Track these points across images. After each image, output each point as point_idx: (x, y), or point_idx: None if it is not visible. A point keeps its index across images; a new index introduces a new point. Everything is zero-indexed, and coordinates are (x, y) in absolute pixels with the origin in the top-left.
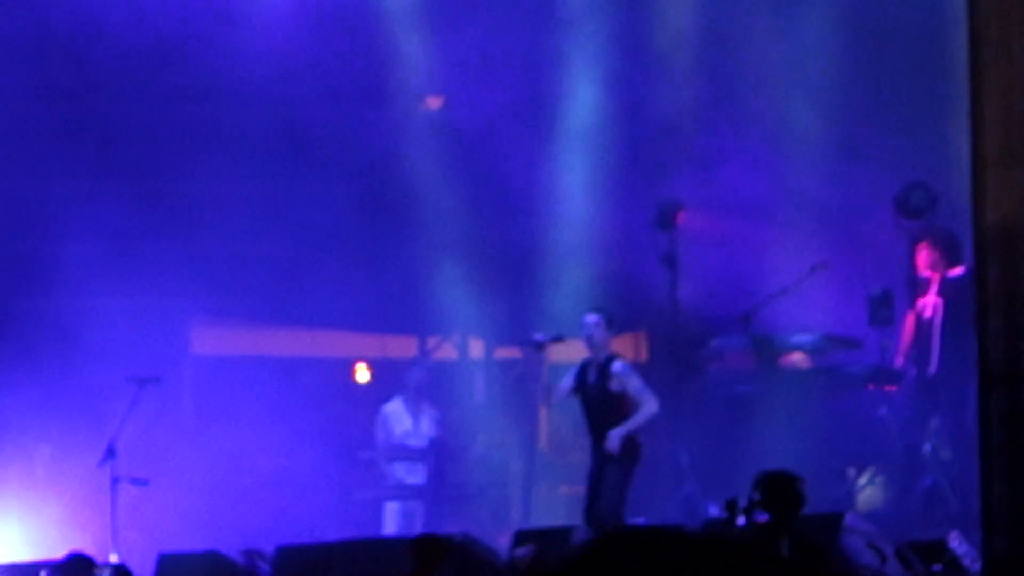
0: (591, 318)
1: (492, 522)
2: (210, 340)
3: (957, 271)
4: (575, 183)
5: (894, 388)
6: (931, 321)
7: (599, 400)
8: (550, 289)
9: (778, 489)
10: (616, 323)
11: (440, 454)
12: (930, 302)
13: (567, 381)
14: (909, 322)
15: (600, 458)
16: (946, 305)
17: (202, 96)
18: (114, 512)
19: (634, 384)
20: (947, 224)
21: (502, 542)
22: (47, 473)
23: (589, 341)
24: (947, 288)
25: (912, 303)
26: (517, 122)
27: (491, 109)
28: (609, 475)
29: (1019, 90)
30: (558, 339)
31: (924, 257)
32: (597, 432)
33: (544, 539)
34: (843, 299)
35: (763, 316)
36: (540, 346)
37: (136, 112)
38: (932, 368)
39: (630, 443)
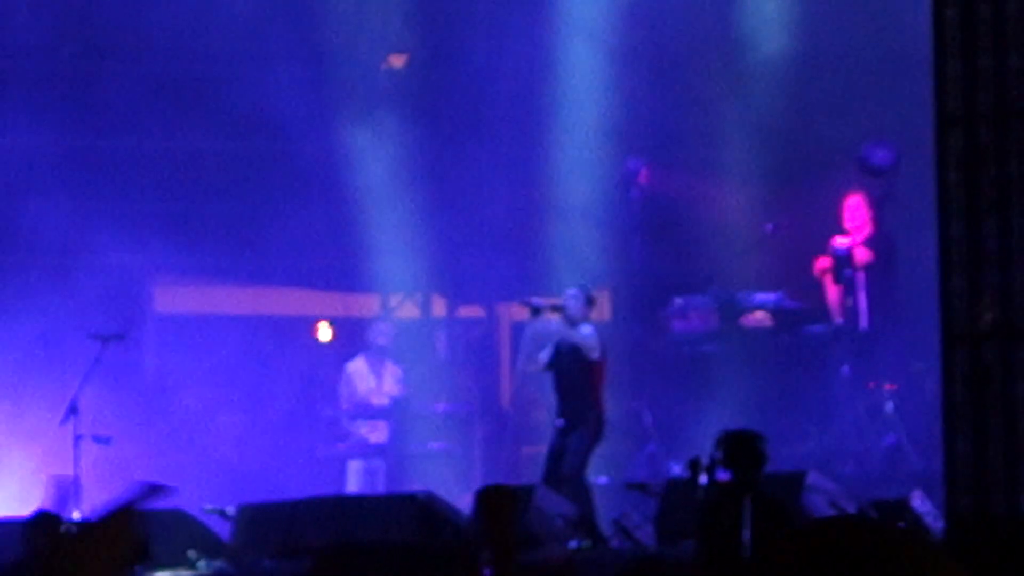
0: (571, 291)
1: (455, 481)
2: (172, 298)
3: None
4: (540, 143)
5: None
6: (853, 283)
7: (571, 367)
8: (512, 249)
9: (740, 448)
10: (594, 302)
11: (403, 413)
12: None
13: (547, 351)
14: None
15: (564, 426)
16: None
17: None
18: (76, 469)
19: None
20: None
21: (464, 501)
22: (9, 430)
23: (566, 311)
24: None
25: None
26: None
27: (455, 69)
28: (572, 442)
29: (982, 49)
30: (555, 308)
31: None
32: (566, 399)
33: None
34: (806, 258)
35: (726, 275)
36: (536, 311)
37: (100, 68)
38: (864, 325)
39: (595, 416)
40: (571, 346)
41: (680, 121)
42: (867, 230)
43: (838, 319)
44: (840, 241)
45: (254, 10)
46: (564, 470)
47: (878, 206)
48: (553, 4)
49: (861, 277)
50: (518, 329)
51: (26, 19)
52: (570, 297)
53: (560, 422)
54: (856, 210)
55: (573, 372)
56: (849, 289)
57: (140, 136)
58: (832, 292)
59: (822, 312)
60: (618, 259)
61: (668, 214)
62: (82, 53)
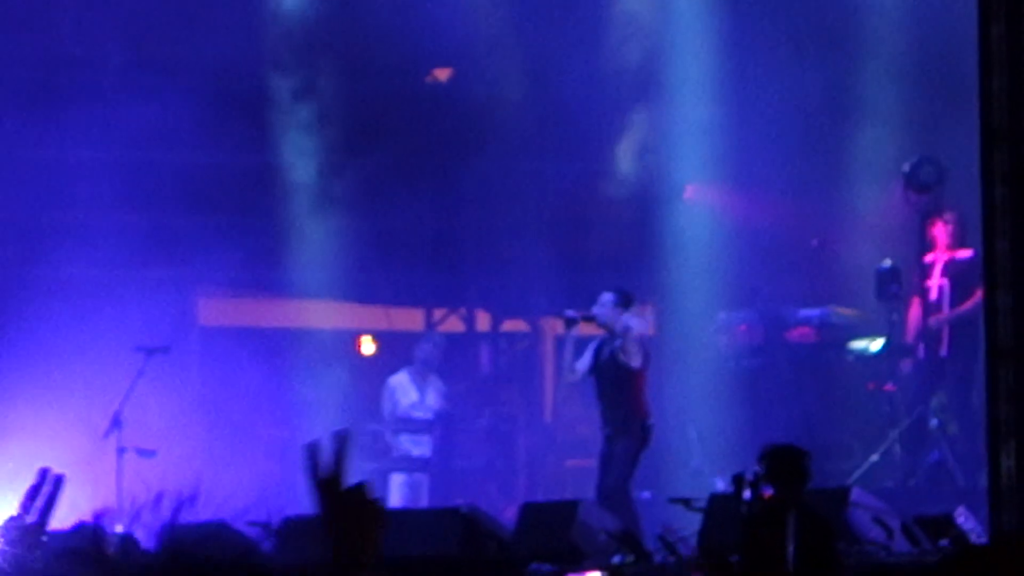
0: (604, 297)
1: (498, 495)
2: (217, 311)
3: (965, 253)
4: (578, 157)
5: (907, 363)
6: (938, 303)
7: (611, 376)
8: (558, 263)
9: (783, 463)
10: (632, 302)
11: (446, 427)
12: (935, 283)
13: (585, 360)
14: (915, 302)
15: (611, 434)
16: (952, 286)
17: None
18: (119, 482)
19: (631, 338)
20: (954, 202)
21: (508, 516)
22: (53, 443)
23: (597, 319)
24: (952, 269)
25: (921, 279)
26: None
27: (495, 79)
28: (618, 451)
29: None
30: (588, 318)
31: (939, 232)
32: (609, 409)
33: (551, 513)
34: (851, 274)
35: (771, 290)
36: (571, 322)
37: (146, 82)
38: (944, 350)
39: (639, 424)
40: (610, 353)
41: (726, 137)
42: (944, 258)
43: (909, 337)
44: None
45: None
46: (608, 481)
47: (924, 223)
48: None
49: (947, 301)
50: (562, 343)
51: (72, 29)
52: (600, 304)
53: (608, 430)
54: (940, 228)
55: (613, 380)
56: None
57: (183, 149)
58: (917, 312)
59: (867, 328)
60: (664, 274)
61: (714, 228)
62: (130, 65)
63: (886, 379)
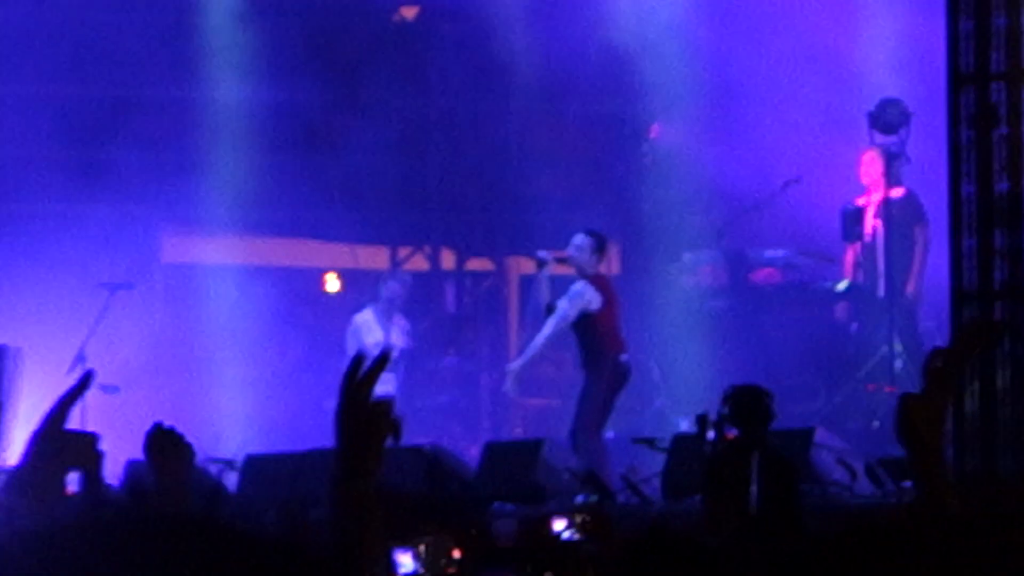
0: (580, 240)
1: (462, 434)
2: (180, 248)
3: (898, 192)
4: (548, 96)
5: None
6: (872, 244)
7: (575, 322)
8: (522, 202)
9: (747, 404)
10: (606, 245)
11: (410, 365)
12: (868, 225)
13: (552, 321)
14: (849, 248)
15: (584, 375)
16: (886, 227)
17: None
18: (83, 419)
19: (560, 306)
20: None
21: (472, 455)
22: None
23: (571, 262)
24: (886, 209)
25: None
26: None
27: (466, 20)
28: (583, 391)
29: (995, 7)
30: (562, 260)
31: (867, 166)
32: (578, 349)
33: (514, 452)
34: (816, 214)
35: (736, 231)
36: (542, 263)
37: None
38: (881, 290)
39: (610, 362)
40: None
41: (692, 77)
42: (882, 187)
43: (850, 277)
44: (895, 193)
45: None
46: (573, 426)
47: (890, 164)
48: None
49: (881, 243)
50: (526, 282)
51: None
52: (575, 247)
53: (582, 371)
54: (871, 166)
55: (575, 323)
56: (869, 250)
57: (149, 85)
58: (848, 252)
59: (833, 270)
60: (628, 213)
61: (679, 169)
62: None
63: (851, 320)
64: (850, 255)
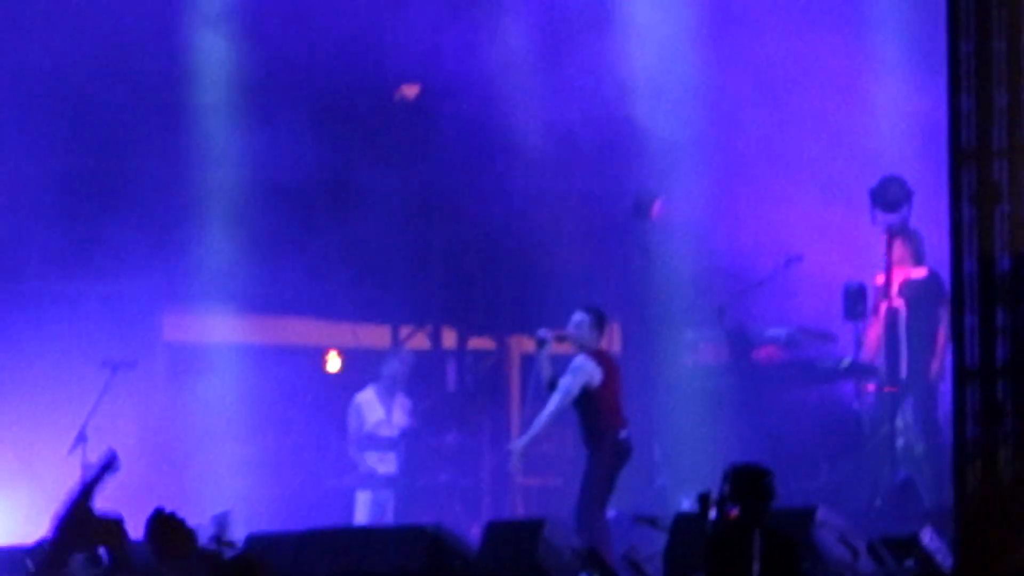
0: (579, 317)
1: (464, 513)
2: (181, 326)
3: (920, 273)
4: (549, 173)
5: (872, 385)
6: (895, 323)
7: (576, 398)
8: (524, 279)
9: (747, 482)
10: (606, 322)
11: (412, 444)
12: (890, 304)
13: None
14: (874, 322)
15: (587, 452)
16: (908, 306)
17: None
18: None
19: (563, 382)
20: (917, 222)
21: (474, 534)
22: (17, 458)
23: (571, 339)
24: (908, 289)
25: (878, 300)
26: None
27: (468, 97)
28: (586, 468)
29: (997, 84)
30: (562, 338)
31: (898, 252)
32: (580, 431)
33: (516, 531)
34: (818, 292)
35: (737, 309)
36: (542, 342)
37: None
38: (903, 371)
39: (609, 440)
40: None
41: (695, 151)
42: (901, 279)
43: (868, 356)
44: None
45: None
46: (578, 501)
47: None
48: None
49: (903, 321)
50: (528, 361)
51: (25, 41)
52: (574, 325)
53: (585, 449)
54: (895, 246)
55: (575, 400)
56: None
57: (146, 160)
58: (878, 330)
59: (835, 347)
60: (629, 290)
61: (680, 246)
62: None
63: (852, 400)
64: (872, 334)
